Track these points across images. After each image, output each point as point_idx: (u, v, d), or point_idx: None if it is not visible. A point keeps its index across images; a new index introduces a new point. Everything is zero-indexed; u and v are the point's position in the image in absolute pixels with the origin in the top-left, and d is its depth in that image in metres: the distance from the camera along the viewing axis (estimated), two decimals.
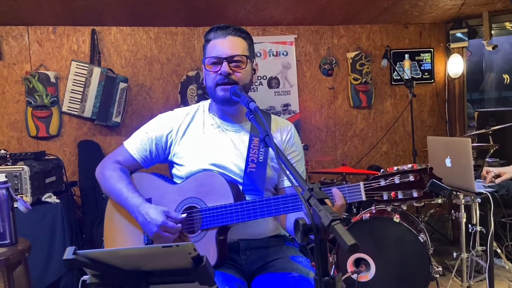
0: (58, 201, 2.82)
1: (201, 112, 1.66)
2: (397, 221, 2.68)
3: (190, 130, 1.62)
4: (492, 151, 3.27)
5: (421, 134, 4.32)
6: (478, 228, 2.90)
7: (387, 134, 4.33)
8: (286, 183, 1.61)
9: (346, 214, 3.24)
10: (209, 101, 1.69)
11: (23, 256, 1.85)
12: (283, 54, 4.12)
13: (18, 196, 2.48)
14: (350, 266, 2.71)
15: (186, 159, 1.58)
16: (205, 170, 1.53)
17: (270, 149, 1.52)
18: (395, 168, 1.28)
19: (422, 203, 2.92)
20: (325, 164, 4.20)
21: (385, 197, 1.28)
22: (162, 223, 1.43)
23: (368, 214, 2.81)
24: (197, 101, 3.76)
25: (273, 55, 4.10)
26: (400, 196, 1.27)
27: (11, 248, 1.82)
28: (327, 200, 0.96)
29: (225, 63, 1.51)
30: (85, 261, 0.97)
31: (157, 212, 1.45)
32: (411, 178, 1.26)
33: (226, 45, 1.53)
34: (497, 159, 3.04)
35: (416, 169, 1.26)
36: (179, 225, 1.45)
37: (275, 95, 4.12)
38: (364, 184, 1.30)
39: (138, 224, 1.53)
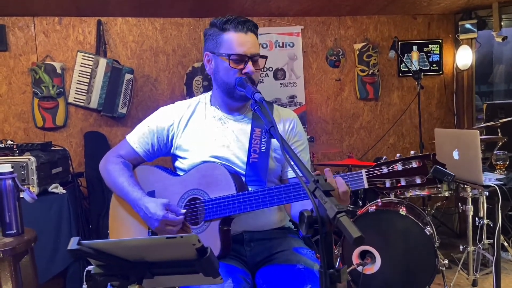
0: (64, 191, 2.83)
1: (202, 105, 1.65)
2: (403, 213, 2.66)
3: (191, 123, 1.61)
4: (500, 143, 3.23)
5: (428, 127, 4.28)
6: (485, 221, 2.88)
7: (394, 126, 4.30)
8: (290, 173, 1.60)
9: (351, 206, 3.23)
10: (209, 93, 1.67)
11: (29, 246, 1.86)
12: (289, 45, 4.09)
13: (25, 186, 2.49)
14: (355, 259, 2.70)
15: (189, 152, 1.58)
16: (207, 161, 1.52)
17: (272, 139, 1.50)
18: (397, 155, 1.27)
19: (425, 190, 2.92)
20: (331, 157, 4.18)
21: (388, 184, 1.26)
22: (162, 218, 1.43)
23: (374, 207, 2.80)
24: (203, 93, 3.75)
25: (279, 46, 4.07)
26: (403, 182, 1.25)
27: (18, 238, 1.83)
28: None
29: (250, 63, 1.50)
30: (90, 251, 0.97)
31: (157, 206, 1.44)
32: (414, 164, 1.24)
33: (250, 42, 1.51)
34: (506, 152, 3.01)
35: (419, 155, 1.24)
36: (181, 217, 1.45)
37: (281, 86, 4.10)
38: (366, 172, 1.29)
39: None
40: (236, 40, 1.50)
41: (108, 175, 1.61)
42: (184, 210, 1.47)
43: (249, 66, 1.49)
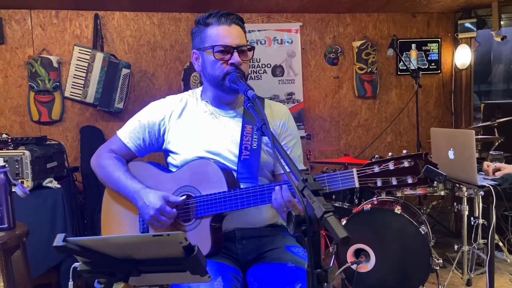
0: (59, 186, 2.81)
1: (193, 99, 1.64)
2: (399, 212, 2.66)
3: (183, 118, 1.60)
4: (497, 143, 3.23)
5: (426, 126, 4.27)
6: (480, 221, 2.88)
7: (391, 124, 4.29)
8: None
9: (347, 204, 3.23)
10: (200, 88, 1.66)
11: (21, 241, 1.86)
12: (288, 42, 4.07)
13: (19, 180, 2.48)
14: (350, 257, 2.70)
15: (181, 147, 1.57)
16: (199, 158, 1.51)
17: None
18: (389, 154, 1.26)
19: (417, 190, 2.91)
20: (328, 154, 4.17)
21: (379, 183, 1.25)
22: (160, 207, 1.43)
23: (370, 205, 2.79)
24: None
25: (277, 43, 4.06)
26: (394, 182, 1.24)
27: (9, 232, 1.82)
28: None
29: (236, 53, 1.48)
30: (76, 248, 0.96)
31: (157, 196, 1.45)
32: (406, 164, 1.23)
33: (234, 33, 1.50)
34: (502, 152, 3.00)
35: (411, 155, 1.23)
36: (175, 210, 1.45)
37: (279, 83, 4.09)
38: (357, 171, 1.27)
39: (135, 213, 1.54)
40: (220, 33, 1.49)
41: (102, 170, 1.60)
42: (184, 197, 1.46)
43: (235, 57, 1.48)
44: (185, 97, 1.65)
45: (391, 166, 1.23)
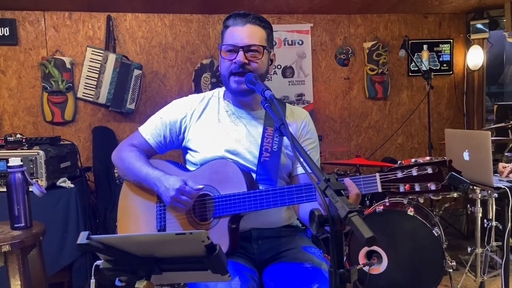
0: (72, 186, 2.84)
1: (215, 99, 1.65)
2: (411, 214, 2.65)
3: (204, 116, 1.62)
4: (511, 145, 3.20)
5: (437, 127, 4.25)
6: (494, 223, 2.86)
7: (402, 126, 4.27)
8: (300, 169, 1.59)
9: (359, 206, 3.21)
10: (224, 88, 1.68)
11: (38, 240, 1.87)
12: (298, 43, 4.07)
13: (34, 180, 2.50)
14: (362, 258, 2.69)
15: (200, 146, 1.57)
16: (219, 158, 1.51)
17: (284, 137, 1.50)
18: (412, 160, 1.25)
19: (440, 196, 2.88)
20: (338, 155, 4.16)
21: (402, 189, 1.25)
22: (180, 187, 1.41)
23: (382, 207, 2.78)
24: (211, 90, 3.75)
25: (288, 44, 4.06)
26: (417, 188, 1.23)
27: (26, 231, 1.84)
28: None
29: (241, 52, 1.49)
30: (99, 246, 0.97)
31: (176, 179, 1.44)
32: (429, 170, 1.22)
33: (244, 33, 1.51)
34: None
35: (435, 162, 1.22)
36: (196, 192, 1.43)
37: (289, 84, 4.09)
38: (380, 175, 1.27)
39: (152, 209, 1.54)
40: (231, 33, 1.53)
41: (123, 162, 1.60)
42: (202, 186, 1.45)
43: (238, 55, 1.49)
44: (207, 96, 1.67)
45: (414, 172, 1.23)
